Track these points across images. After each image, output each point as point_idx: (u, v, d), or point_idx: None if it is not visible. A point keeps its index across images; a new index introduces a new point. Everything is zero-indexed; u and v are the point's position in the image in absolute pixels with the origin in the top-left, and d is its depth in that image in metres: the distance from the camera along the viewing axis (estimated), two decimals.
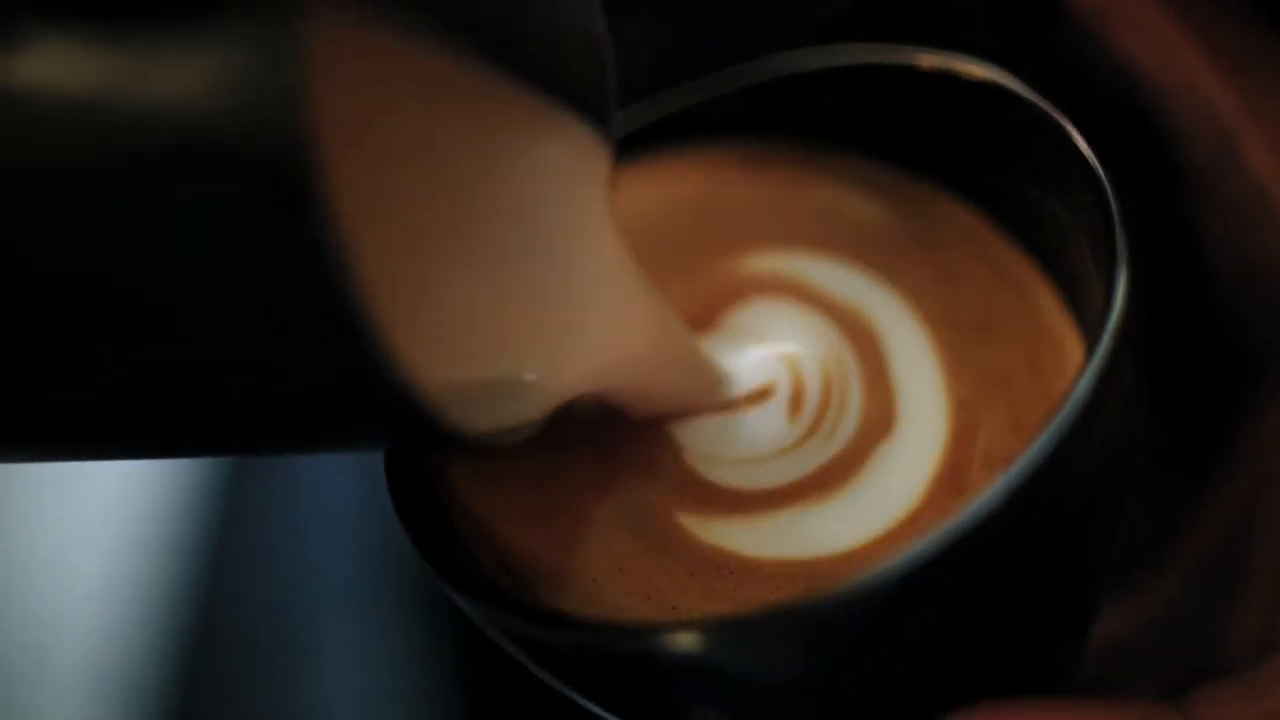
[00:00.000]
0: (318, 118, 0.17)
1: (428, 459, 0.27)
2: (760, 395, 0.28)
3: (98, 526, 0.77)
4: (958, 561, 0.22)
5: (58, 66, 0.17)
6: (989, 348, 0.29)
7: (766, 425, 0.28)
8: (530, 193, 0.23)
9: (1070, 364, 0.28)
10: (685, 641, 0.23)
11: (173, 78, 0.17)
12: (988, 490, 0.22)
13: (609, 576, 0.26)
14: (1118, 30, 0.30)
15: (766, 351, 0.29)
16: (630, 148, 0.30)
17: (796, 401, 0.28)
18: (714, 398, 0.28)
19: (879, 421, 0.28)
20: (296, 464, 0.68)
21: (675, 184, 0.32)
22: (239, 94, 0.17)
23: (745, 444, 0.28)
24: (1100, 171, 0.27)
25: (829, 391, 0.28)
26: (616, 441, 0.28)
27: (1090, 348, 0.24)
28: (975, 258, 0.30)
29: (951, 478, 0.27)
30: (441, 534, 0.27)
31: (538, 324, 0.24)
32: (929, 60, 0.29)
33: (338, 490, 0.66)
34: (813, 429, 0.28)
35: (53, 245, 0.18)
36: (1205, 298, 0.31)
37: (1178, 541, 0.30)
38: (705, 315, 0.30)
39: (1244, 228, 0.31)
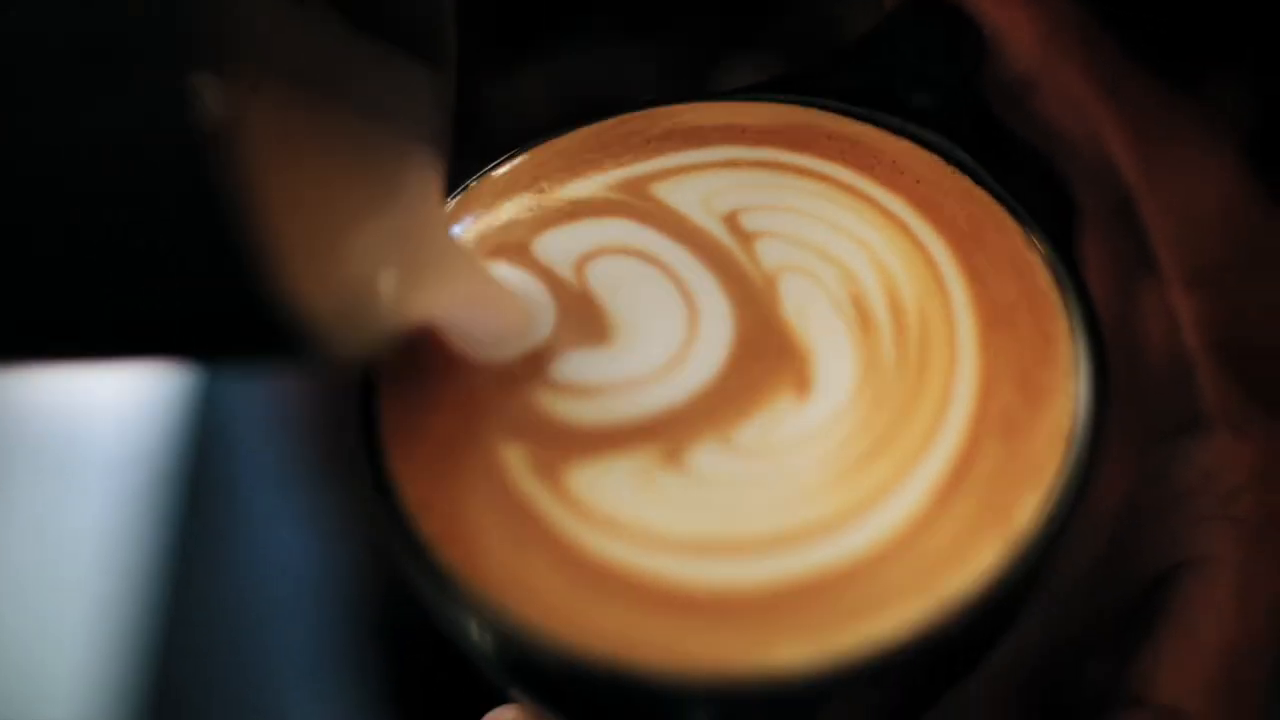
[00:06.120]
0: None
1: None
2: None
3: (53, 614, 0.76)
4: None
5: None
6: None
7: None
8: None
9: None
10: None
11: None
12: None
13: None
14: (1046, 95, 0.34)
15: None
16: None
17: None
18: (521, 337, 0.29)
19: None
20: (244, 541, 0.67)
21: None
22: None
23: None
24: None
25: None
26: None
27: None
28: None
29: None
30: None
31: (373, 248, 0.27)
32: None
33: (287, 560, 0.65)
34: None
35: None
36: None
37: None
38: None
39: (1129, 277, 0.34)
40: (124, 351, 0.25)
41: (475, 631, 0.27)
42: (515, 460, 0.27)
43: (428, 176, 0.28)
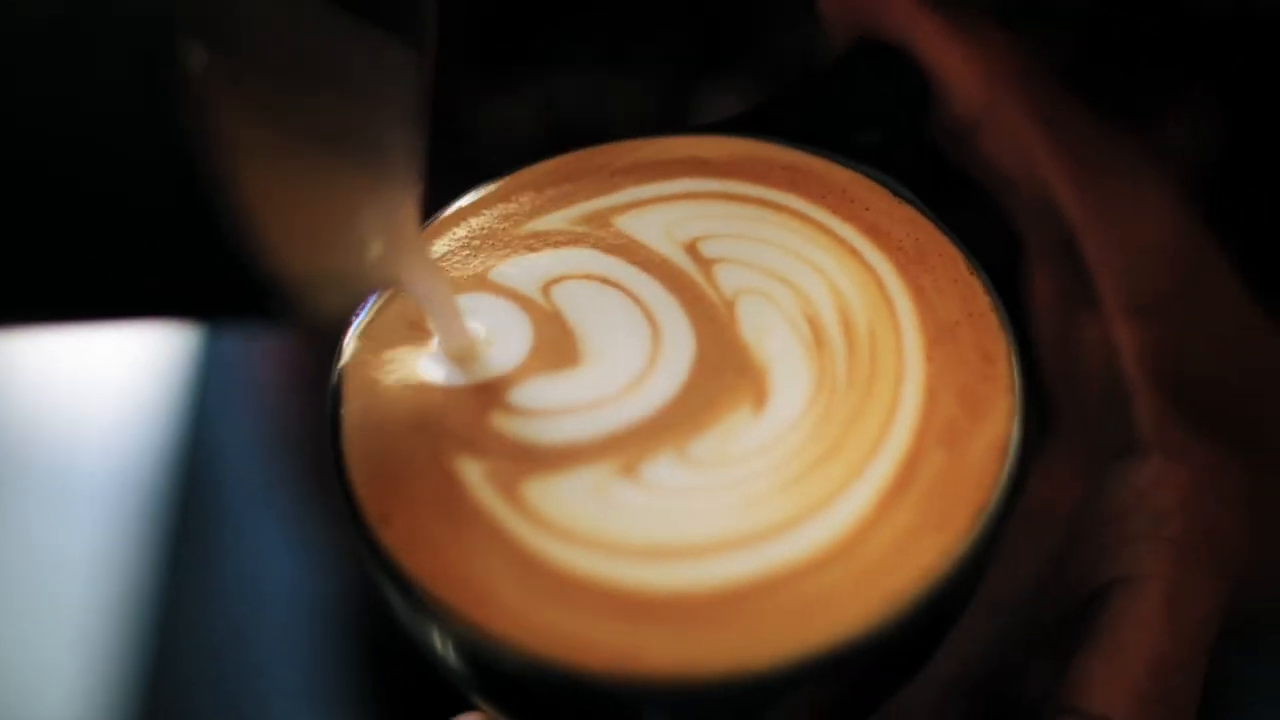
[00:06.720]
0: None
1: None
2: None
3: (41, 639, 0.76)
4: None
5: None
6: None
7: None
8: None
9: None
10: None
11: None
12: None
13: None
14: (989, 136, 0.35)
15: None
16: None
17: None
18: (460, 355, 0.30)
19: None
20: (233, 565, 0.68)
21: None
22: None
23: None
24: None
25: None
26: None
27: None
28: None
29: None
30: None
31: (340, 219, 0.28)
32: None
33: (277, 584, 0.66)
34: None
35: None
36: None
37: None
38: None
39: (1073, 311, 0.35)
40: (107, 311, 0.26)
41: (437, 638, 0.28)
42: (473, 473, 0.28)
43: (403, 155, 0.30)
